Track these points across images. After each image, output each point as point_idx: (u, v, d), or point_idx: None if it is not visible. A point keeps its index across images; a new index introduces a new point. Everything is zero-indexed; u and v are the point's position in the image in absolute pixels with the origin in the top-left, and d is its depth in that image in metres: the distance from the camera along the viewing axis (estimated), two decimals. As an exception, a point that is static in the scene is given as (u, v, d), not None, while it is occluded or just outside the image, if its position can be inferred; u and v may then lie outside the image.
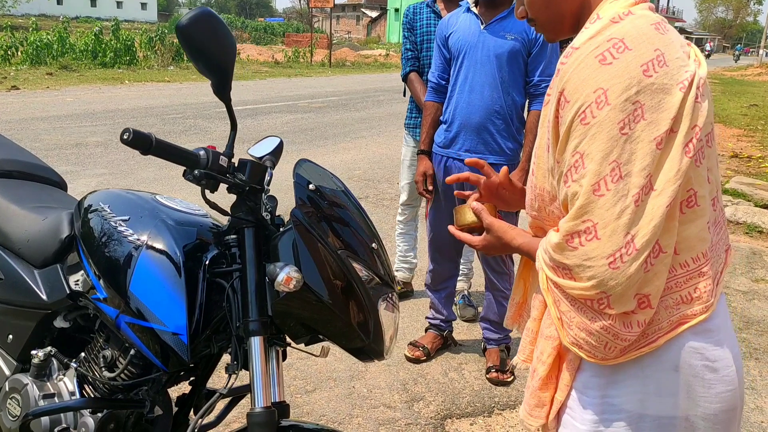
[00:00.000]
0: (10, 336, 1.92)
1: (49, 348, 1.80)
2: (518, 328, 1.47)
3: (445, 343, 3.46)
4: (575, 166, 1.07)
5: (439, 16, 3.54)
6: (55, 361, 1.82)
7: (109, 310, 1.62)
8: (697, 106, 1.07)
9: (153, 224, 1.63)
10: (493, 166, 2.94)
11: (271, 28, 58.31)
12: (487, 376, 3.19)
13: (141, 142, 1.36)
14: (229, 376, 1.52)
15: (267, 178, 1.60)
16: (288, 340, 1.59)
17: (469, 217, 1.39)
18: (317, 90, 16.91)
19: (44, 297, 1.81)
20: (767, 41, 51.13)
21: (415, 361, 3.30)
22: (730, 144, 11.00)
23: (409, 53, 3.66)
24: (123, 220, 1.66)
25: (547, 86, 1.16)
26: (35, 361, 1.78)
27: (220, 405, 1.83)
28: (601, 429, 1.18)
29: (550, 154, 1.15)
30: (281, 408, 1.53)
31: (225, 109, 1.54)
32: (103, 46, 20.54)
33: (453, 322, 3.48)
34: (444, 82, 3.07)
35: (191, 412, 1.83)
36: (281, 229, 1.56)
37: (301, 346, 1.62)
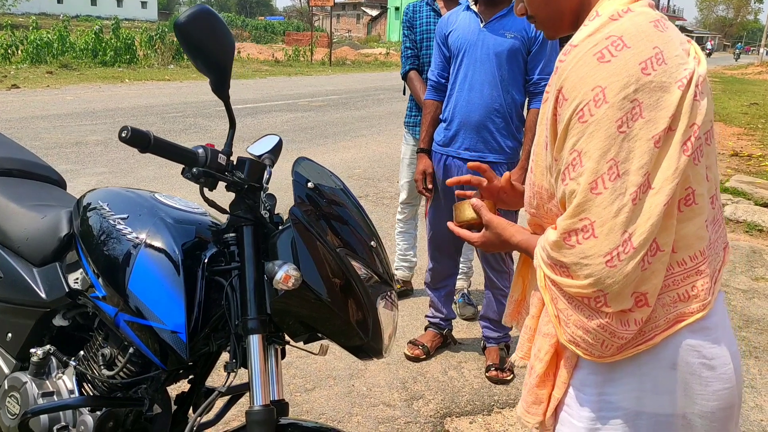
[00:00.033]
0: (10, 334, 1.92)
1: (48, 346, 1.80)
2: (517, 326, 1.47)
3: (445, 342, 3.46)
4: (573, 164, 1.06)
5: (439, 15, 3.54)
6: (54, 360, 1.83)
7: (108, 308, 1.62)
8: (696, 104, 1.07)
9: (152, 222, 1.63)
10: (492, 164, 2.99)
11: (271, 26, 58.35)
12: (487, 374, 3.19)
13: (139, 140, 1.36)
14: (228, 374, 1.52)
15: (266, 176, 1.60)
16: (287, 338, 1.59)
17: (469, 214, 1.39)
18: (317, 89, 16.90)
19: (43, 295, 1.81)
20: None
21: (415, 359, 3.30)
22: (731, 142, 11.00)
23: (409, 51, 3.66)
24: (122, 219, 1.66)
25: (547, 84, 1.16)
26: (34, 359, 1.78)
27: (219, 403, 1.83)
28: (599, 426, 1.18)
29: (548, 151, 1.15)
30: (280, 406, 1.53)
31: (224, 107, 1.53)
32: (104, 44, 20.53)
33: (452, 321, 3.48)
34: (443, 81, 3.07)
35: (190, 411, 1.83)
36: (280, 228, 1.56)
37: (300, 344, 1.62)
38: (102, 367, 1.70)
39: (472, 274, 4.06)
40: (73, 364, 1.76)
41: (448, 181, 1.53)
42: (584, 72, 1.06)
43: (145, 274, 1.57)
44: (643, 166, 1.03)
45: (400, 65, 3.82)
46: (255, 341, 1.48)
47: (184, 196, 1.86)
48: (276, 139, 1.75)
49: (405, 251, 4.10)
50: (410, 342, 3.38)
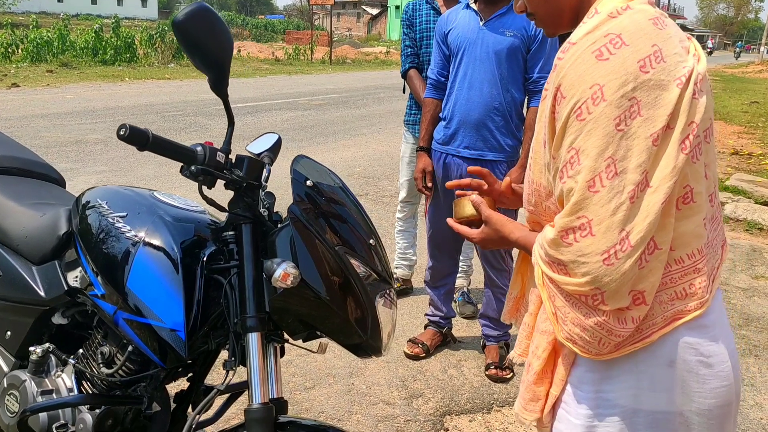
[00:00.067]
0: (9, 332, 1.92)
1: (47, 344, 1.80)
2: (515, 323, 1.47)
3: (445, 340, 3.46)
4: (571, 162, 1.06)
5: (439, 13, 3.54)
6: (53, 358, 1.83)
7: (107, 306, 1.62)
8: (695, 102, 1.07)
9: (150, 221, 1.63)
10: (492, 162, 2.99)
11: (271, 25, 58.35)
12: (486, 372, 3.19)
13: (138, 138, 1.36)
14: (227, 372, 1.52)
15: (265, 174, 1.60)
16: (286, 336, 1.59)
17: (468, 210, 1.39)
18: (318, 87, 16.90)
19: (42, 293, 1.81)
20: (768, 38, 51.00)
21: (415, 358, 3.30)
22: (731, 141, 10.99)
23: (409, 50, 3.66)
24: (120, 217, 1.66)
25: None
26: (33, 357, 1.78)
27: (219, 401, 1.83)
28: (596, 424, 1.18)
29: (547, 149, 1.15)
30: (279, 404, 1.53)
31: (223, 105, 1.53)
32: (104, 43, 20.54)
33: (452, 319, 3.48)
34: (443, 79, 3.07)
35: (189, 409, 1.83)
36: (279, 226, 1.56)
37: (299, 342, 1.62)
38: (101, 365, 1.70)
39: (472, 273, 4.06)
40: (72, 362, 1.76)
41: (448, 184, 1.52)
42: (582, 70, 1.06)
43: (143, 273, 1.57)
44: (641, 164, 1.03)
45: (400, 64, 3.82)
46: (254, 339, 1.48)
47: (183, 194, 1.86)
48: (275, 138, 1.75)
49: (405, 250, 4.10)
50: (410, 340, 3.38)
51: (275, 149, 1.73)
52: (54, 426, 1.71)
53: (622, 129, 1.03)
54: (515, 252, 1.42)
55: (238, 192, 1.55)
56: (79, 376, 1.77)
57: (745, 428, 2.85)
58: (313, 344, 1.65)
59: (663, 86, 1.04)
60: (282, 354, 1.63)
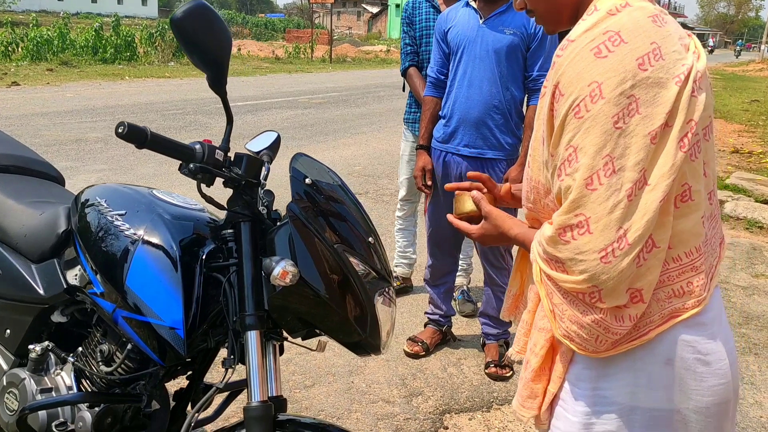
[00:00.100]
0: (8, 330, 1.92)
1: (46, 342, 1.80)
2: (515, 320, 1.47)
3: (444, 339, 3.46)
4: (569, 159, 1.06)
5: (438, 11, 3.53)
6: (52, 356, 1.83)
7: (106, 304, 1.62)
8: (693, 100, 1.07)
9: (149, 219, 1.63)
10: (491, 161, 2.99)
11: (271, 23, 58.30)
12: (486, 371, 3.19)
13: (136, 136, 1.36)
14: (226, 370, 1.52)
15: (264, 172, 1.60)
16: (285, 334, 1.59)
17: (468, 206, 1.39)
18: (318, 86, 16.90)
19: (41, 291, 1.81)
20: (769, 37, 50.92)
21: (414, 356, 3.30)
22: (731, 139, 10.99)
23: (408, 48, 3.65)
24: (119, 215, 1.66)
25: None
26: (33, 355, 1.78)
27: (218, 399, 1.83)
28: (593, 421, 1.18)
29: (545, 147, 1.15)
30: (278, 402, 1.53)
31: (221, 103, 1.53)
32: (104, 42, 20.52)
33: (452, 318, 3.48)
34: (443, 77, 3.06)
35: (189, 407, 1.83)
36: (278, 224, 1.55)
37: (298, 340, 1.62)
38: (100, 364, 1.70)
39: (472, 271, 4.06)
40: (72, 360, 1.76)
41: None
42: (581, 67, 1.06)
43: (142, 271, 1.57)
44: (639, 162, 1.03)
45: (400, 62, 3.81)
46: (253, 337, 1.48)
47: (184, 193, 1.86)
48: (274, 136, 1.75)
49: (404, 248, 4.10)
50: (410, 339, 3.38)
51: (274, 147, 1.73)
52: (53, 424, 1.71)
53: (620, 127, 1.02)
54: (515, 250, 1.42)
55: (236, 190, 1.55)
56: (79, 375, 1.77)
57: (744, 426, 2.85)
58: (312, 342, 1.65)
59: (662, 84, 1.04)
60: (281, 352, 1.63)
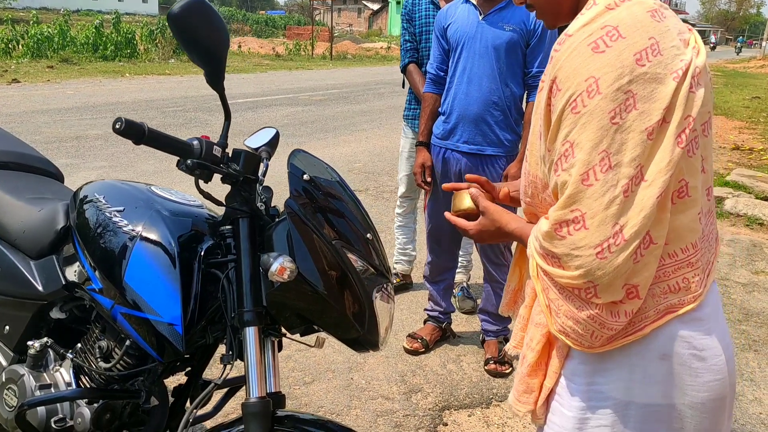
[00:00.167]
0: (7, 327, 1.93)
1: (45, 339, 1.81)
2: (513, 315, 1.47)
3: (444, 335, 3.46)
4: (565, 155, 1.06)
5: (438, 7, 3.53)
6: (51, 352, 1.83)
7: (105, 300, 1.62)
8: (691, 96, 1.06)
9: (148, 215, 1.63)
10: (491, 157, 2.99)
11: (272, 21, 58.22)
12: (486, 367, 3.19)
13: (133, 132, 1.36)
14: (224, 366, 1.52)
15: (262, 168, 1.60)
16: (283, 330, 1.59)
17: (466, 203, 1.39)
18: (318, 83, 16.88)
19: (40, 288, 1.81)
20: (770, 33, 50.79)
21: (414, 353, 3.30)
22: (732, 136, 10.97)
23: (408, 44, 3.65)
24: (118, 211, 1.66)
25: None
26: (32, 351, 1.78)
27: (218, 396, 1.84)
28: (588, 416, 1.18)
29: (542, 141, 1.15)
30: (277, 398, 1.53)
31: (219, 100, 1.53)
32: (104, 39, 20.52)
33: (452, 314, 3.48)
34: (442, 73, 3.06)
35: (188, 403, 1.83)
36: (276, 220, 1.55)
37: (297, 336, 1.62)
38: (99, 360, 1.70)
39: (472, 268, 4.06)
40: (71, 356, 1.77)
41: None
42: (578, 62, 1.05)
43: (141, 267, 1.57)
44: (636, 158, 1.02)
45: (400, 59, 3.81)
46: (251, 333, 1.48)
47: (185, 190, 1.86)
48: (273, 132, 1.75)
49: (404, 245, 4.10)
50: (409, 335, 3.38)
51: (273, 144, 1.72)
52: (52, 420, 1.71)
53: (617, 122, 1.02)
54: (514, 246, 1.42)
55: (235, 186, 1.55)
56: (77, 371, 1.78)
57: (743, 423, 2.85)
58: (311, 339, 1.65)
59: (659, 79, 1.04)
60: (280, 348, 1.63)
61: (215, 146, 1.49)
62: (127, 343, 1.63)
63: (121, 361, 1.66)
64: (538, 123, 1.16)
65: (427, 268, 3.40)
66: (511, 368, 3.18)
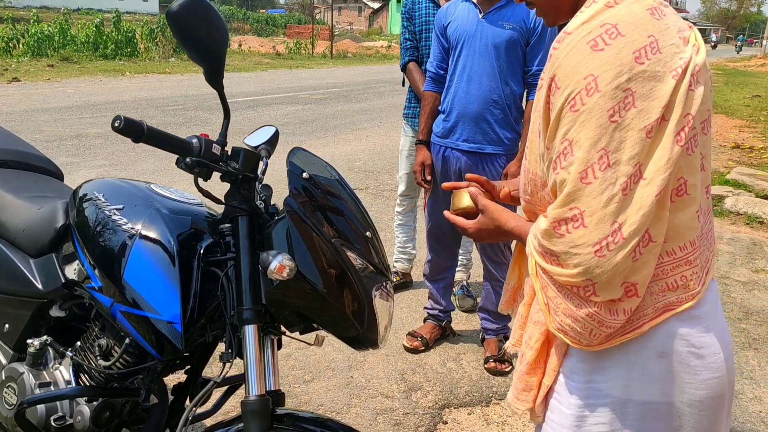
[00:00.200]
0: (7, 325, 1.93)
1: (45, 337, 1.81)
2: (512, 313, 1.47)
3: (444, 334, 3.46)
4: (564, 153, 1.06)
5: (438, 6, 3.52)
6: (51, 350, 1.83)
7: (104, 299, 1.62)
8: (691, 94, 1.06)
9: (147, 213, 1.63)
10: (491, 156, 2.98)
11: (272, 19, 58.16)
12: (485, 366, 3.19)
13: (132, 130, 1.36)
14: (224, 364, 1.52)
15: (262, 167, 1.60)
16: (282, 328, 1.59)
17: (466, 201, 1.39)
18: (318, 81, 16.88)
19: (40, 286, 1.81)
20: (771, 32, 50.74)
21: (414, 351, 3.30)
22: (732, 135, 10.97)
23: (408, 43, 3.65)
24: (117, 209, 1.66)
25: None
26: (31, 350, 1.78)
27: (217, 394, 1.84)
28: (587, 413, 1.18)
29: (541, 139, 1.15)
30: (276, 396, 1.53)
31: (218, 98, 1.53)
32: (105, 37, 20.53)
33: (451, 313, 3.48)
34: (442, 72, 3.06)
35: (187, 401, 1.83)
36: (275, 218, 1.55)
37: (296, 334, 1.62)
38: (98, 358, 1.70)
39: (471, 266, 4.06)
40: (70, 354, 1.77)
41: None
42: (577, 60, 1.05)
43: (140, 265, 1.57)
44: (635, 156, 1.02)
45: (400, 57, 3.81)
46: (250, 332, 1.48)
47: (185, 189, 1.86)
48: (272, 130, 1.75)
49: (404, 243, 4.10)
50: (409, 334, 3.38)
51: (272, 142, 1.72)
52: (52, 418, 1.71)
53: (615, 120, 1.02)
54: (514, 245, 1.42)
55: (234, 184, 1.55)
56: (77, 369, 1.78)
57: (743, 421, 2.85)
58: (310, 337, 1.65)
59: (658, 77, 1.04)
60: (279, 346, 1.63)
61: (214, 144, 1.49)
62: (127, 341, 1.63)
63: (120, 360, 1.66)
64: (537, 121, 1.16)
65: (427, 266, 3.40)
66: (510, 366, 3.18)
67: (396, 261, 4.10)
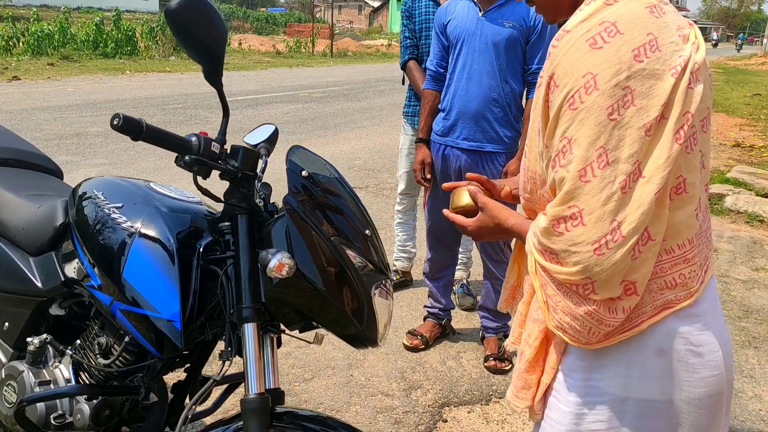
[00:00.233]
0: (6, 323, 1.93)
1: (44, 335, 1.81)
2: (512, 311, 1.47)
3: (444, 332, 3.46)
4: (563, 151, 1.06)
5: (438, 4, 3.52)
6: (50, 349, 1.83)
7: (104, 297, 1.62)
8: (690, 92, 1.06)
9: (146, 211, 1.63)
10: (491, 154, 2.98)
11: (272, 18, 58.13)
12: (485, 364, 3.19)
13: (131, 128, 1.35)
14: (223, 363, 1.52)
15: (261, 165, 1.60)
16: (282, 327, 1.59)
17: (465, 199, 1.38)
18: (318, 80, 16.87)
19: (39, 284, 1.82)
20: (771, 30, 50.69)
21: (414, 349, 3.30)
22: (733, 133, 10.96)
23: (408, 41, 3.64)
24: (117, 208, 1.66)
25: None
26: (31, 348, 1.79)
27: (217, 392, 1.84)
28: (585, 411, 1.18)
29: (540, 137, 1.15)
30: (276, 394, 1.53)
31: (217, 96, 1.53)
32: (104, 36, 20.53)
33: (451, 311, 3.48)
34: (442, 70, 3.06)
35: (187, 399, 1.83)
36: (275, 216, 1.55)
37: (295, 333, 1.62)
38: (98, 356, 1.70)
39: (471, 265, 4.06)
40: (70, 352, 1.77)
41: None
42: (576, 58, 1.05)
43: (140, 263, 1.57)
44: (634, 154, 1.02)
45: (400, 56, 3.81)
46: (250, 330, 1.48)
47: (185, 187, 1.86)
48: (272, 129, 1.75)
49: (404, 242, 4.10)
50: (409, 332, 3.39)
51: (272, 140, 1.72)
52: (51, 416, 1.72)
53: (614, 118, 1.02)
54: (513, 243, 1.42)
55: (233, 182, 1.55)
56: (77, 367, 1.78)
57: (743, 420, 2.85)
58: (310, 335, 1.65)
59: (657, 75, 1.04)
60: (279, 345, 1.63)
61: (213, 143, 1.49)
62: (126, 339, 1.63)
63: (120, 358, 1.66)
64: (537, 119, 1.16)
65: (426, 265, 3.40)
66: (510, 365, 3.18)
67: (396, 259, 4.10)
